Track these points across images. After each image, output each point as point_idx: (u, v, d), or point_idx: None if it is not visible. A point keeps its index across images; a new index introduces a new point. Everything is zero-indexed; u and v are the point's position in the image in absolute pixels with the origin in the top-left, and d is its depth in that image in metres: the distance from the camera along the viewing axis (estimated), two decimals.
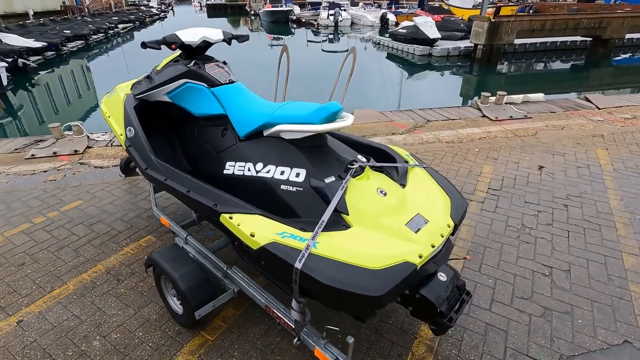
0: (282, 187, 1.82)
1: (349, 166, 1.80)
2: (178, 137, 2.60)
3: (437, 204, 1.83)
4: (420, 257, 1.51)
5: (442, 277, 1.66)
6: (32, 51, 14.07)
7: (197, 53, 2.36)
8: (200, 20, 43.23)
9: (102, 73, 14.58)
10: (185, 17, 46.96)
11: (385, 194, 1.74)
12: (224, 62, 2.40)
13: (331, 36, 27.46)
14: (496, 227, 3.00)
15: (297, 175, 1.79)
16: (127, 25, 29.13)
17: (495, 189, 3.58)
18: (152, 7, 49.19)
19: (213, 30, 2.37)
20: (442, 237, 1.65)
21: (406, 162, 2.12)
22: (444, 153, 4.37)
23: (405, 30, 17.91)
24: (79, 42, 18.72)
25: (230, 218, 1.62)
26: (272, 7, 34.89)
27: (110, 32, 24.51)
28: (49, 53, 15.30)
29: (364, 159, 1.94)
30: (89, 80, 13.63)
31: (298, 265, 1.37)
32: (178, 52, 2.40)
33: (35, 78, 13.16)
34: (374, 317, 1.69)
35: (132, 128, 2.28)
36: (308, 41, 24.88)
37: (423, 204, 1.80)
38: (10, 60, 11.71)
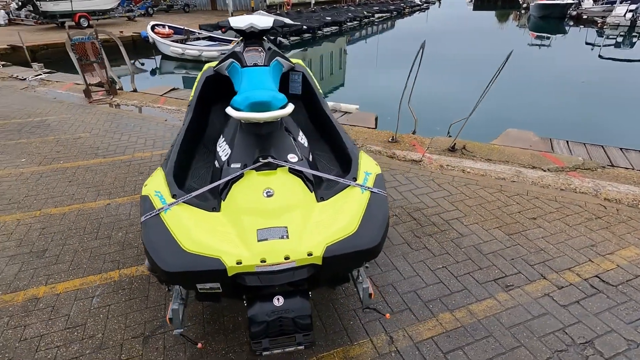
0: (215, 162, 2.07)
1: (261, 159, 1.84)
2: None
3: (327, 230, 1.62)
4: (239, 263, 1.49)
5: (276, 301, 1.54)
6: (294, 32, 18.16)
7: (253, 37, 2.79)
8: (463, 13, 42.17)
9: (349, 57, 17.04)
10: (447, 10, 46.92)
11: (270, 196, 1.71)
12: (269, 49, 2.72)
13: (620, 39, 21.42)
14: (538, 325, 2.11)
15: (226, 155, 1.99)
16: (384, 15, 32.22)
17: (609, 282, 2.40)
18: None
19: (263, 18, 2.73)
20: (288, 259, 1.51)
21: (355, 179, 1.89)
22: (580, 210, 3.15)
23: None
24: (334, 27, 22.52)
25: (157, 169, 2.02)
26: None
27: (365, 20, 27.95)
28: (306, 35, 19.30)
29: (294, 159, 1.90)
30: (326, 63, 16.27)
31: (142, 219, 1.66)
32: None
33: (285, 54, 16.85)
34: (215, 302, 1.75)
35: (195, 92, 2.98)
36: (586, 44, 20.14)
37: (308, 223, 1.64)
38: (272, 38, 15.65)
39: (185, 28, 14.01)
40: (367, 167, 2.01)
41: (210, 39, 13.85)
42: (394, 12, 34.94)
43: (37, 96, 6.72)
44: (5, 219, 3.05)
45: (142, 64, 14.30)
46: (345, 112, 5.76)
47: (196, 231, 1.59)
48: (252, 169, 1.81)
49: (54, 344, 1.99)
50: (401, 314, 2.19)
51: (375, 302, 2.24)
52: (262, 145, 1.94)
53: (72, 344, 1.99)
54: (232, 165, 1.87)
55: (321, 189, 1.88)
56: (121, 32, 15.28)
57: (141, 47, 15.20)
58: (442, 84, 10.84)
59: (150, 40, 13.57)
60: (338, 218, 1.69)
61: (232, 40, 12.78)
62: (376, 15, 30.43)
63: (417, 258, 2.63)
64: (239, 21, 2.67)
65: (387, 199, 1.82)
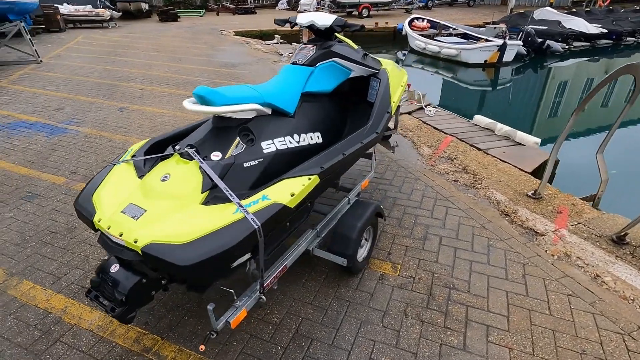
0: None
1: (186, 148, 1.99)
2: None
3: (169, 229, 1.67)
4: (99, 221, 1.80)
5: (113, 267, 1.77)
6: (583, 37, 14.58)
7: (322, 35, 2.81)
8: None
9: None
10: None
11: (164, 180, 1.88)
12: (325, 48, 2.67)
13: None
14: None
15: None
16: None
17: None
18: None
19: (324, 16, 2.68)
20: (121, 236, 1.69)
21: (247, 196, 1.78)
22: None
23: None
24: None
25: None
26: None
27: None
28: (602, 41, 15.06)
29: (216, 157, 1.96)
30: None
31: (106, 165, 2.21)
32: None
33: (551, 64, 13.67)
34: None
35: None
36: None
37: (169, 216, 1.73)
38: (540, 41, 13.22)
39: (441, 22, 14.00)
40: (276, 192, 1.81)
41: (464, 36, 13.34)
42: None
43: (274, 68, 8.73)
44: None
45: (404, 55, 15.12)
46: (518, 144, 4.59)
47: (110, 186, 1.99)
48: (178, 153, 2.01)
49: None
50: None
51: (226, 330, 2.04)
52: (202, 136, 2.08)
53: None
54: (175, 147, 2.12)
55: (224, 195, 1.87)
56: (386, 23, 16.96)
57: (399, 39, 16.39)
58: None
59: (404, 32, 14.43)
60: (191, 224, 1.68)
61: (481, 38, 11.86)
62: None
63: (372, 335, 2.10)
64: (303, 18, 2.73)
65: (255, 230, 1.62)
